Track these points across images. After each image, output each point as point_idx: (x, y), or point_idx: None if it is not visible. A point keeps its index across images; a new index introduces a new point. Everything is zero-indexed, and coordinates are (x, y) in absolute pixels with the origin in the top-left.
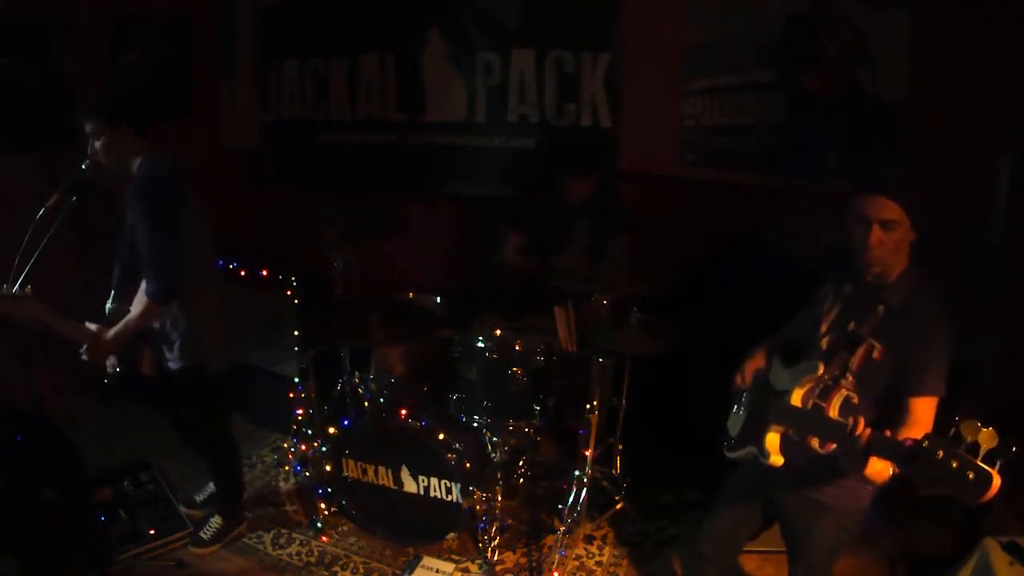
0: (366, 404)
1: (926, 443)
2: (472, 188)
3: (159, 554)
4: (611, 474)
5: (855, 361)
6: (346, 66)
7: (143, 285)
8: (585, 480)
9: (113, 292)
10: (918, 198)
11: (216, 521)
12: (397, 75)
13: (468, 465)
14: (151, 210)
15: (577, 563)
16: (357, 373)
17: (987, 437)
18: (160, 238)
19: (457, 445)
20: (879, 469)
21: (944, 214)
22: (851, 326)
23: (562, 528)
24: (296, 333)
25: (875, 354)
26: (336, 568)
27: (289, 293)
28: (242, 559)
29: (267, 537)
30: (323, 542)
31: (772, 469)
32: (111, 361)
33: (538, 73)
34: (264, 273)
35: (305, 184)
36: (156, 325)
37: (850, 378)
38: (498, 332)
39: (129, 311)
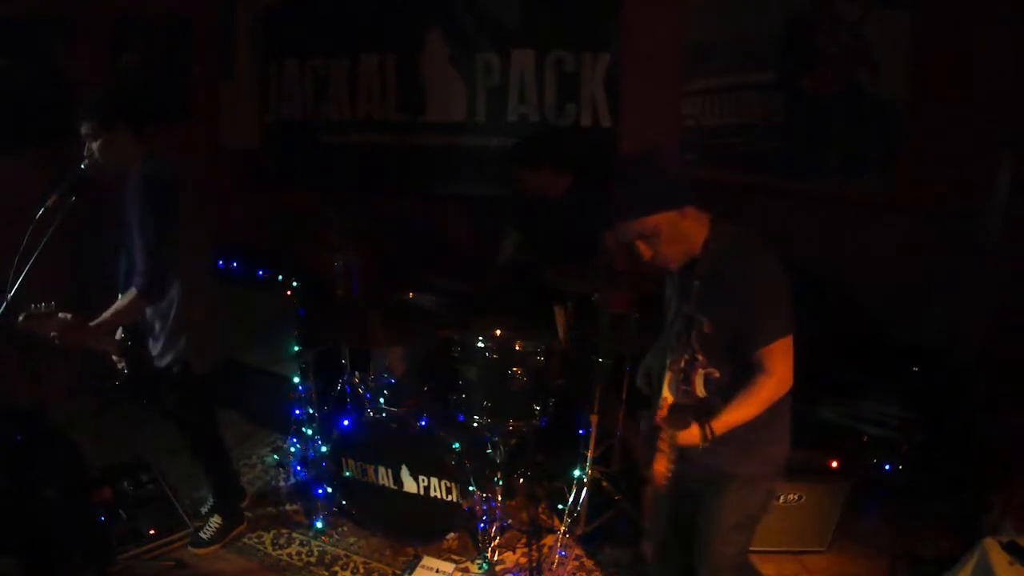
0: (366, 404)
1: None
2: (472, 188)
3: (159, 554)
4: (611, 474)
5: (695, 341)
6: (346, 66)
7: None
8: (585, 480)
9: (122, 285)
10: (659, 198)
11: (216, 521)
12: (397, 75)
13: (468, 465)
14: (147, 210)
15: (577, 563)
16: (357, 373)
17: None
18: (154, 238)
19: (457, 445)
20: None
21: (943, 212)
22: (685, 310)
23: (562, 528)
24: (296, 333)
25: (705, 328)
26: (336, 568)
27: (289, 293)
28: (242, 559)
29: (267, 537)
30: (323, 542)
31: (679, 465)
32: (120, 364)
33: (538, 73)
34: (264, 273)
35: (305, 184)
36: (152, 321)
37: (700, 357)
38: (498, 332)
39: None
